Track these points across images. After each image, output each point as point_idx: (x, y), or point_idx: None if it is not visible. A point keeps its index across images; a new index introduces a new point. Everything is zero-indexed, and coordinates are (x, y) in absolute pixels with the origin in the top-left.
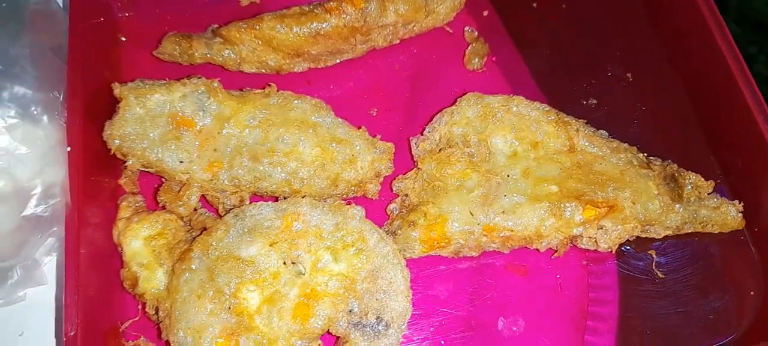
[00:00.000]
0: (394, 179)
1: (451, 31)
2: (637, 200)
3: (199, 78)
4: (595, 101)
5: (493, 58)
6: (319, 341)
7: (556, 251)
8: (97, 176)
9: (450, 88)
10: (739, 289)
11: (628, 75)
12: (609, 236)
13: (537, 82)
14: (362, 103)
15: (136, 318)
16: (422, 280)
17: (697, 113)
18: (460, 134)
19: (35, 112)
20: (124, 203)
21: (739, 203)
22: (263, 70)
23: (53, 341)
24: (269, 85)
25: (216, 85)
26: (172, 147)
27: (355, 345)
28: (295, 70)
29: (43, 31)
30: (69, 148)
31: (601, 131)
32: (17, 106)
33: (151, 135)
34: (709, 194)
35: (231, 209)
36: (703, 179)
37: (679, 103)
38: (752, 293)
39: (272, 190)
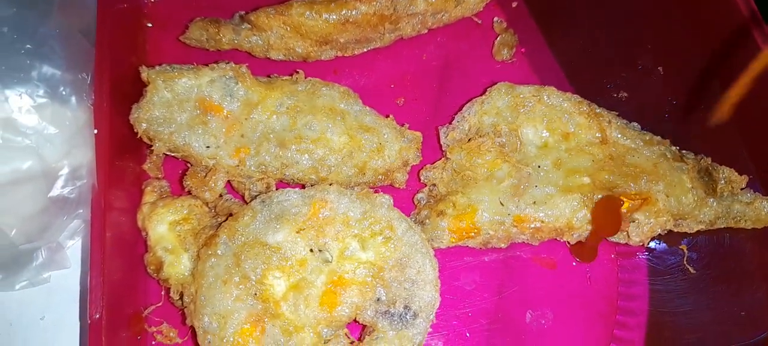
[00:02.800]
0: (422, 168)
1: (479, 22)
2: (670, 193)
3: (228, 63)
4: (625, 94)
5: (522, 50)
6: (346, 329)
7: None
8: (123, 159)
9: (478, 79)
10: None
11: (660, 68)
12: (641, 230)
13: (566, 75)
14: (389, 92)
15: (160, 303)
16: (449, 271)
17: (730, 107)
18: (490, 124)
19: (64, 93)
20: (149, 188)
21: None
22: (290, 58)
23: (75, 325)
24: (297, 72)
25: (244, 70)
26: (199, 132)
27: (383, 334)
28: (322, 58)
29: (72, 13)
30: (96, 131)
31: (633, 124)
32: (46, 86)
33: (178, 119)
34: (742, 189)
35: (257, 196)
36: (736, 174)
37: (712, 98)
38: None
39: (299, 177)
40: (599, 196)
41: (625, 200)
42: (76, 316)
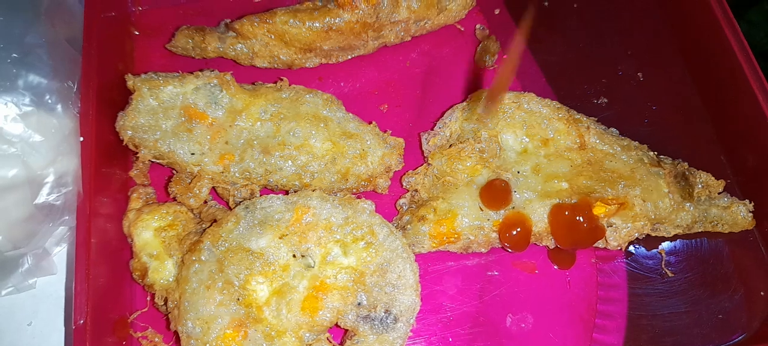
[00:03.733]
0: (404, 174)
1: (462, 29)
2: (647, 197)
3: (212, 71)
4: (605, 100)
5: (504, 56)
6: (328, 334)
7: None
8: (109, 166)
9: (461, 85)
10: (749, 289)
11: (639, 74)
12: (619, 234)
13: (548, 80)
14: (373, 99)
15: (145, 309)
16: (430, 276)
17: (708, 112)
18: (470, 130)
19: (49, 101)
20: (134, 195)
21: (750, 202)
22: (275, 65)
23: (61, 331)
24: (281, 79)
25: (228, 78)
26: (184, 139)
27: (364, 338)
28: (307, 65)
29: (59, 21)
30: (82, 138)
31: (611, 129)
32: (32, 95)
33: (164, 126)
34: (719, 193)
35: (241, 202)
36: (713, 178)
37: (690, 103)
38: (762, 293)
39: (283, 183)
40: (576, 200)
41: (601, 204)
42: (63, 322)
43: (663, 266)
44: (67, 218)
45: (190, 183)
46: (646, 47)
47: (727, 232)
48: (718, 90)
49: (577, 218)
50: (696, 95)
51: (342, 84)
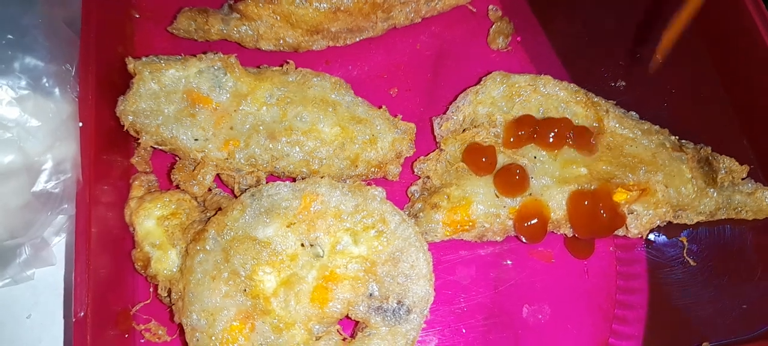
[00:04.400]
0: (416, 160)
1: (474, 10)
2: (669, 183)
3: (216, 53)
4: (623, 83)
5: (518, 38)
6: (338, 326)
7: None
8: (109, 153)
9: (473, 68)
10: None
11: (658, 56)
12: (640, 221)
13: (563, 63)
14: (382, 83)
15: (148, 301)
16: (443, 265)
17: (730, 95)
18: (484, 114)
19: (47, 85)
20: (136, 182)
21: None
22: (281, 48)
23: (61, 323)
24: (287, 62)
25: (233, 60)
26: (187, 124)
27: (376, 330)
28: (314, 48)
29: (56, 2)
30: (81, 124)
31: (631, 113)
32: (28, 78)
33: (166, 111)
34: (743, 178)
35: (247, 189)
36: (737, 163)
37: (711, 85)
38: None
39: (290, 170)
40: (595, 186)
41: (622, 190)
42: (63, 314)
43: (685, 254)
44: (66, 206)
45: (193, 170)
46: (665, 29)
47: (751, 219)
48: (740, 71)
49: (598, 206)
50: (717, 77)
51: (350, 67)
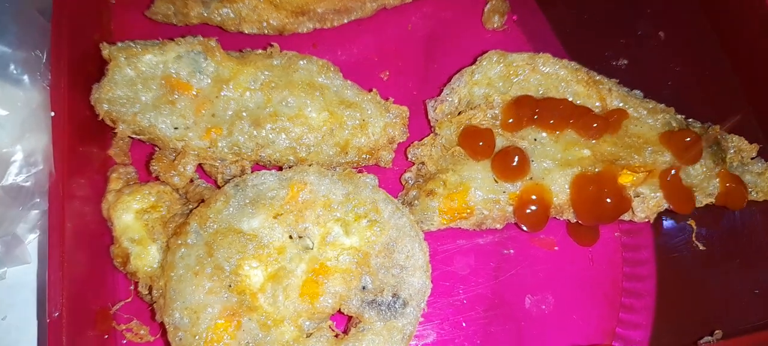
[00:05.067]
0: (409, 145)
1: None
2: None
3: (196, 37)
4: (625, 62)
5: (514, 17)
6: (330, 322)
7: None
8: (84, 144)
9: (467, 49)
10: None
11: (661, 33)
12: (646, 205)
13: (562, 42)
14: (372, 66)
15: (129, 299)
16: (441, 255)
17: (737, 72)
18: (481, 95)
19: (15, 72)
20: (114, 175)
21: None
22: (265, 31)
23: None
24: (272, 45)
25: (213, 44)
26: (166, 112)
27: (370, 325)
28: (300, 30)
29: None
30: (53, 113)
31: (635, 91)
32: None
33: (143, 99)
34: (752, 158)
35: (231, 179)
36: (746, 142)
37: (717, 62)
38: None
39: (276, 158)
40: (599, 169)
41: (628, 172)
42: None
43: (693, 238)
44: (38, 200)
45: (173, 160)
46: (667, 5)
47: (761, 199)
48: (747, 46)
49: (603, 191)
50: (723, 54)
51: (338, 51)
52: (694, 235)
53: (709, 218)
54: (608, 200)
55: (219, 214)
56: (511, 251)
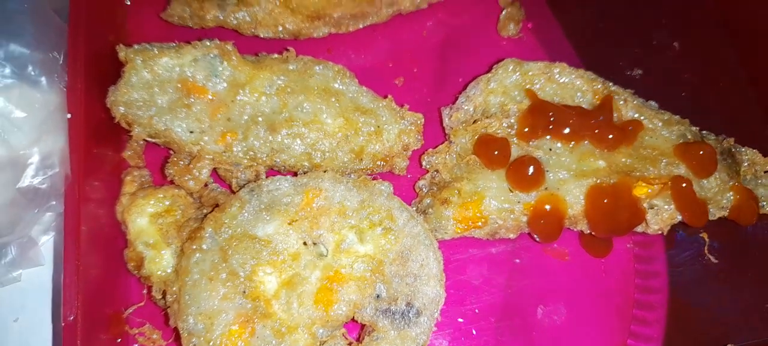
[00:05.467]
0: (424, 153)
1: None
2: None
3: (212, 41)
4: (639, 71)
5: (529, 25)
6: (343, 329)
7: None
8: (100, 146)
9: (482, 56)
10: None
11: (675, 43)
12: (660, 217)
13: (576, 51)
14: (387, 71)
15: (141, 303)
16: (454, 264)
17: (752, 84)
18: (497, 104)
19: (33, 74)
20: (128, 178)
21: None
22: (280, 35)
23: (50, 327)
24: (287, 50)
25: (230, 48)
26: (182, 115)
27: (384, 334)
28: (315, 35)
29: None
30: (69, 115)
31: (650, 102)
32: (13, 66)
33: (159, 102)
34: (766, 171)
35: (245, 184)
36: (760, 155)
37: (732, 74)
38: None
39: (291, 163)
40: (614, 180)
41: (643, 184)
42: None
43: (706, 251)
44: (54, 203)
45: (188, 164)
46: (683, 14)
47: None
48: (762, 58)
49: (618, 205)
50: (738, 65)
51: (353, 56)
52: (706, 248)
53: (721, 231)
54: (623, 213)
55: (234, 219)
56: (524, 261)
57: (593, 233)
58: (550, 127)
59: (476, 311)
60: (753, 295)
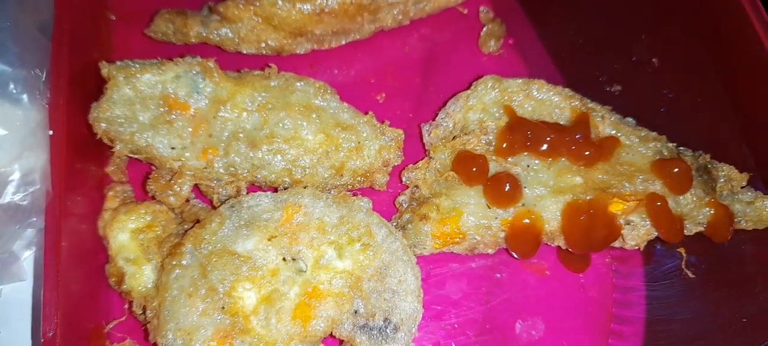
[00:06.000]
0: (404, 168)
1: (465, 12)
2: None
3: (194, 57)
4: (619, 88)
5: (510, 41)
6: (322, 345)
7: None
8: (82, 162)
9: (464, 72)
10: None
11: (655, 60)
12: (637, 232)
13: (557, 67)
14: (369, 87)
15: (123, 318)
16: (433, 279)
17: (729, 100)
18: (476, 121)
19: (14, 91)
20: (110, 193)
21: None
22: (263, 52)
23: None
24: (269, 66)
25: (211, 64)
26: (164, 132)
27: None
28: (297, 51)
29: (28, 6)
30: (51, 132)
31: (628, 119)
32: None
33: (141, 118)
34: (742, 187)
35: (226, 200)
36: (736, 171)
37: (710, 90)
38: None
39: (271, 179)
40: (591, 196)
41: (619, 200)
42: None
43: (683, 265)
44: (34, 219)
45: (170, 180)
46: (662, 31)
47: (750, 228)
48: (739, 76)
49: (593, 222)
50: (716, 82)
51: (335, 72)
52: (684, 263)
53: (699, 246)
54: (599, 229)
55: (214, 235)
56: (503, 275)
57: (570, 249)
58: (528, 143)
59: (455, 325)
60: (729, 310)
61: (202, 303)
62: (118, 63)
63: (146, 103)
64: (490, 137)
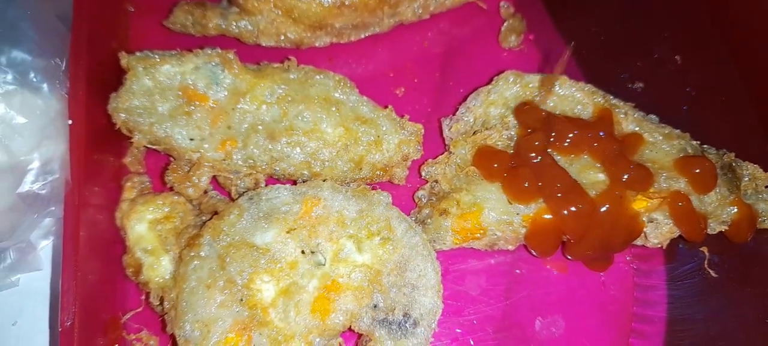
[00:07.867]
0: (423, 163)
1: (485, 6)
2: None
3: (214, 49)
4: (641, 85)
5: (530, 36)
6: (340, 339)
7: None
8: (100, 152)
9: (483, 67)
10: None
11: (677, 57)
12: (660, 231)
13: (577, 63)
14: (388, 81)
15: (139, 309)
16: (452, 275)
17: (752, 98)
18: (497, 116)
19: (35, 80)
20: (128, 184)
21: None
22: (282, 44)
23: (48, 331)
24: (289, 59)
25: (231, 56)
26: (182, 123)
27: (380, 344)
28: (316, 44)
29: None
30: (70, 121)
31: (651, 116)
32: (15, 72)
33: (160, 109)
34: (767, 186)
35: (245, 192)
36: (761, 170)
37: (733, 88)
38: None
39: (290, 172)
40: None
41: (642, 198)
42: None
43: (706, 265)
44: (53, 208)
45: (188, 171)
46: (684, 28)
47: None
48: (763, 73)
49: (616, 220)
50: (739, 79)
51: (354, 65)
52: (706, 262)
53: (722, 245)
54: (621, 229)
55: (232, 227)
56: (523, 272)
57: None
58: (550, 139)
59: (474, 321)
60: (752, 310)
61: (220, 295)
62: (138, 53)
63: (165, 94)
64: (512, 133)
